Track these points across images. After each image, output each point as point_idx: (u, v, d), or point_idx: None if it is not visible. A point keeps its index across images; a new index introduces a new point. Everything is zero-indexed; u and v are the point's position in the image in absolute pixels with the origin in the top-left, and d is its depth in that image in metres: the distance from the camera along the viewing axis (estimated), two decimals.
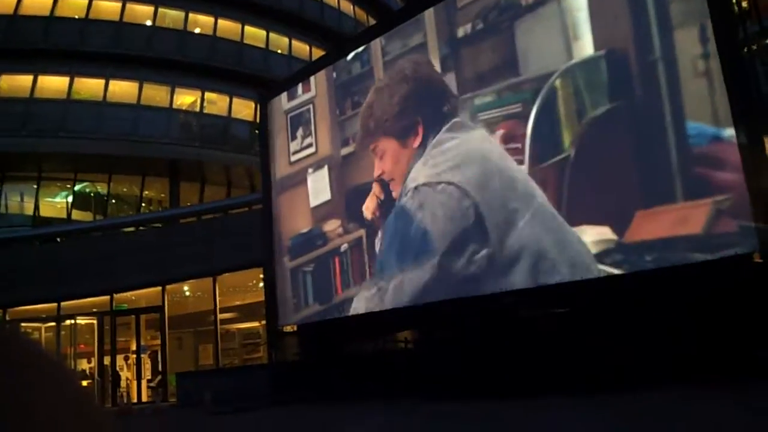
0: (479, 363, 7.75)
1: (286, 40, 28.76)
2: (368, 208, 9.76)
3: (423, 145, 8.95)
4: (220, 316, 16.00)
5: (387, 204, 9.49)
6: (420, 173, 8.81)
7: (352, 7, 32.52)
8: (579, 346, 7.01)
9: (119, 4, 25.60)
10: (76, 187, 25.10)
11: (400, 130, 9.29)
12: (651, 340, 6.56)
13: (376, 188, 9.64)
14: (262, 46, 27.94)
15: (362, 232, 9.80)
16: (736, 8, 6.82)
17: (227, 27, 27.20)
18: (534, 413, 6.00)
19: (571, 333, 7.20)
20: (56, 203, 25.10)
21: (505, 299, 7.85)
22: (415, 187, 8.82)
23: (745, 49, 6.77)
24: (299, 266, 10.85)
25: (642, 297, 6.82)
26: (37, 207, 24.31)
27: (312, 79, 11.27)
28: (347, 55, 10.76)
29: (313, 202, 10.78)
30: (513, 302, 7.86)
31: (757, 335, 5.95)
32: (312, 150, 10.95)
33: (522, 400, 6.71)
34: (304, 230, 10.85)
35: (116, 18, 25.45)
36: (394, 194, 9.32)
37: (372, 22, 31.06)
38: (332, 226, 10.35)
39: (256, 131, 20.45)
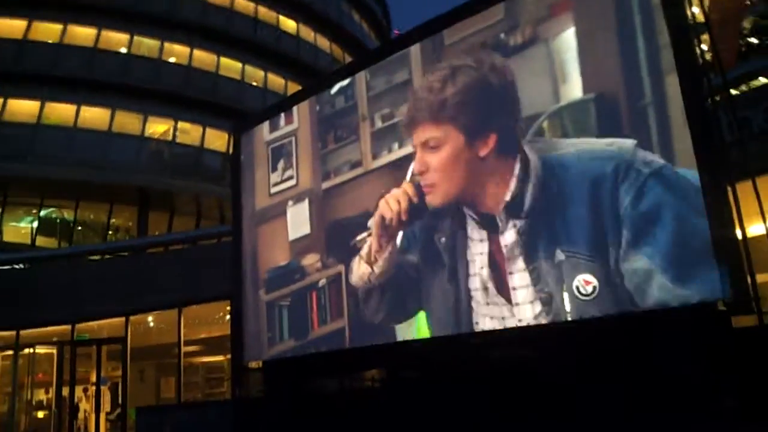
0: (449, 405, 7.71)
1: (261, 73, 28.96)
2: (391, 208, 8.00)
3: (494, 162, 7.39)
4: (184, 348, 15.71)
5: (419, 212, 7.91)
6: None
7: (328, 43, 32.94)
8: (542, 389, 7.03)
9: (94, 31, 25.57)
10: (42, 213, 24.67)
11: (466, 123, 7.58)
12: (616, 385, 6.59)
13: (409, 188, 7.95)
14: (238, 77, 28.07)
15: (341, 268, 9.72)
16: (700, 60, 7.07)
17: (203, 58, 27.32)
18: None
19: (535, 375, 7.22)
20: (20, 228, 24.62)
21: (473, 341, 7.84)
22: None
23: (709, 101, 7.00)
24: (275, 300, 10.74)
25: (606, 342, 6.88)
26: (0, 232, 23.79)
27: (295, 110, 11.31)
28: (330, 87, 10.82)
29: (292, 235, 10.72)
30: (481, 344, 7.85)
31: (722, 383, 6.04)
32: (293, 182, 10.92)
33: None
34: (282, 263, 10.75)
35: (90, 44, 25.40)
36: (432, 202, 7.72)
37: (348, 59, 31.47)
38: (311, 260, 10.27)
39: (229, 163, 20.42)
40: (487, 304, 7.40)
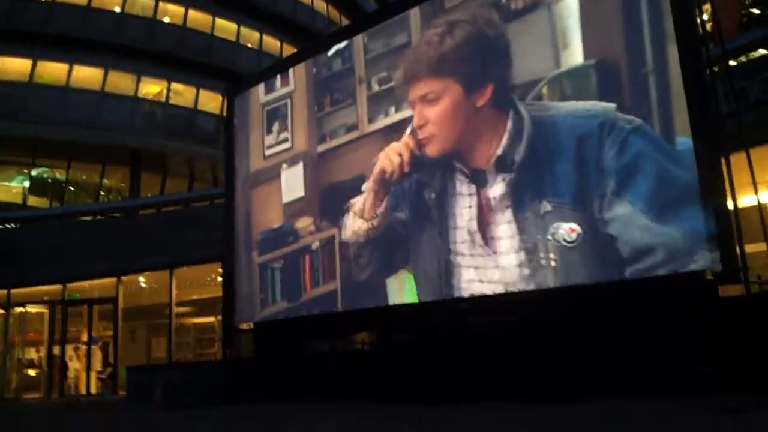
0: (437, 368, 7.79)
1: (257, 34, 28.57)
2: (392, 161, 8.23)
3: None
4: (175, 309, 15.77)
5: (418, 165, 8.19)
6: None
7: (325, 5, 32.49)
8: (528, 354, 7.10)
9: None
10: (34, 172, 24.49)
11: (464, 75, 7.80)
12: (599, 351, 6.67)
13: (409, 140, 8.15)
14: (233, 39, 27.71)
15: (334, 231, 9.72)
16: (700, 30, 7.00)
17: (197, 18, 26.91)
18: (486, 416, 6.06)
19: (522, 341, 7.29)
20: (12, 188, 24.46)
21: (461, 305, 7.91)
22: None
23: (708, 71, 6.94)
24: (268, 262, 10.75)
25: (592, 308, 6.94)
26: None
27: (291, 73, 11.17)
28: (327, 50, 10.68)
29: (286, 198, 10.68)
30: (468, 308, 7.91)
31: (703, 351, 6.14)
32: (287, 145, 10.85)
33: (476, 404, 6.77)
34: (275, 226, 10.74)
35: (84, 2, 24.96)
36: (430, 153, 8.00)
37: (345, 22, 31.08)
38: (304, 223, 10.26)
39: (222, 125, 20.25)
40: (472, 255, 7.64)
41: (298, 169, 10.59)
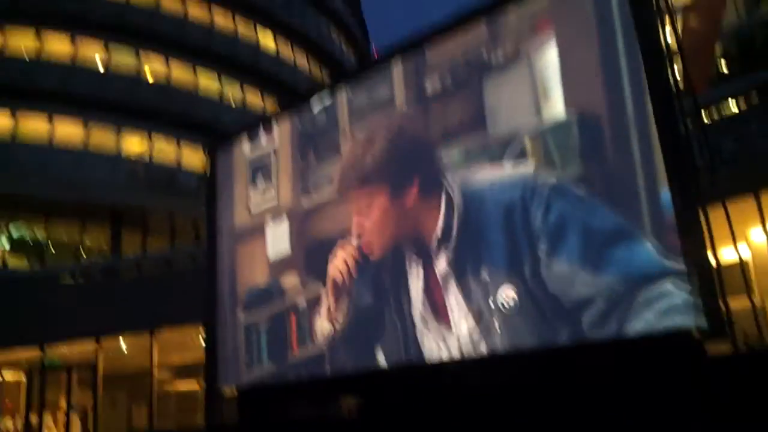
0: None
1: (239, 91, 28.89)
2: (341, 270, 8.98)
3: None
4: (157, 375, 15.40)
5: (365, 267, 8.72)
6: None
7: (307, 63, 33.01)
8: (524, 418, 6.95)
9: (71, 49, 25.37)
10: (14, 233, 24.20)
11: (388, 181, 8.60)
12: (570, 422, 6.52)
13: (351, 249, 8.86)
14: (216, 96, 27.98)
15: (321, 289, 9.60)
16: (672, 82, 7.13)
17: (180, 75, 27.19)
18: None
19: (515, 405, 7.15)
20: None
21: (451, 368, 7.80)
22: None
23: (683, 126, 7.04)
24: (253, 322, 10.56)
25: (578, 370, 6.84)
26: None
27: (275, 128, 11.21)
28: (310, 105, 10.74)
29: (272, 255, 10.56)
30: (458, 371, 7.80)
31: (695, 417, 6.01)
32: (273, 201, 10.81)
33: None
34: (262, 284, 10.60)
35: (67, 61, 25.19)
36: (373, 258, 8.59)
37: (327, 79, 31.56)
38: (291, 281, 10.13)
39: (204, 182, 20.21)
40: (429, 329, 8.02)
41: (284, 224, 10.49)
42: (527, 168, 7.34)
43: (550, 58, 7.68)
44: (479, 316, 7.40)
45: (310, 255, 9.94)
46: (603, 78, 7.20)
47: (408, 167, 8.48)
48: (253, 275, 10.81)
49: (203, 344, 12.68)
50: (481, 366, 7.56)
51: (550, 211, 6.97)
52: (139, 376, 16.13)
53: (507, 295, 7.20)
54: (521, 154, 7.63)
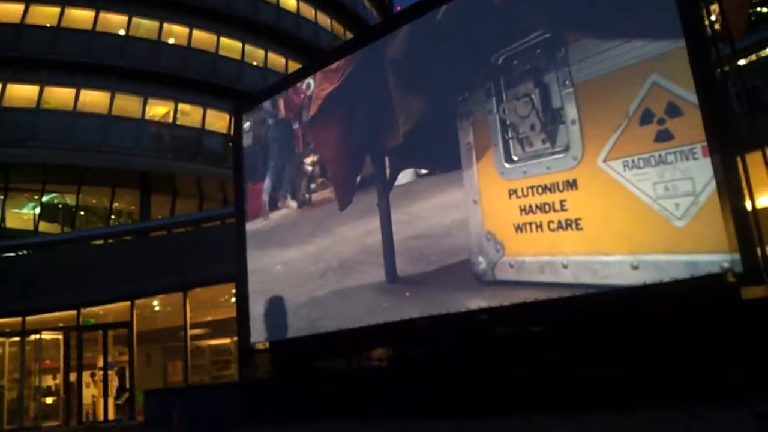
0: (457, 381, 7.67)
1: (261, 52, 28.65)
2: None
3: None
4: (190, 332, 15.69)
5: None
6: None
7: (329, 20, 32.57)
8: (553, 364, 6.98)
9: (92, 13, 25.27)
10: (44, 198, 24.57)
11: None
12: (623, 358, 6.54)
13: None
14: (238, 57, 27.79)
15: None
16: (709, 31, 6.89)
17: (202, 38, 27.01)
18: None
19: (547, 351, 7.17)
20: (23, 215, 24.55)
21: (481, 316, 7.81)
22: None
23: (719, 71, 6.83)
24: None
25: (617, 314, 6.81)
26: (3, 218, 23.74)
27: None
28: (328, 66, 10.63)
29: None
30: (488, 319, 7.81)
31: (728, 355, 5.99)
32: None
33: (498, 418, 6.66)
34: None
35: (89, 27, 25.12)
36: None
37: (349, 36, 31.15)
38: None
39: (230, 144, 20.24)
40: None
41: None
42: None
43: None
44: None
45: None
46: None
47: None
48: None
49: (234, 302, 12.89)
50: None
51: None
52: (173, 333, 16.44)
53: None
54: None
